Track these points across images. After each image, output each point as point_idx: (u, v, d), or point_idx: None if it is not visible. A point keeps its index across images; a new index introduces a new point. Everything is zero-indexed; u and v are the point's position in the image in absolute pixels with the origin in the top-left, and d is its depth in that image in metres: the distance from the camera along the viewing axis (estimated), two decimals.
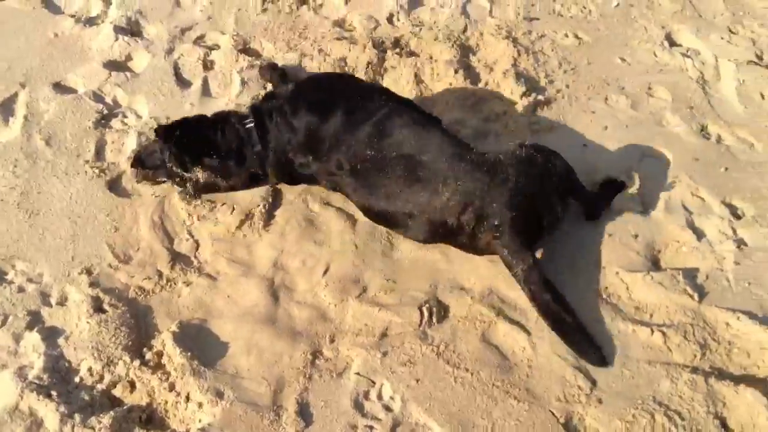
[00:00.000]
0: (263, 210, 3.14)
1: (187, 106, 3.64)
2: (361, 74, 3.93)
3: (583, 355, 2.77)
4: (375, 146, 2.99)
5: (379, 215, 3.02)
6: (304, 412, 2.51)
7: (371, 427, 2.50)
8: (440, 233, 2.94)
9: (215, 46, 4.08)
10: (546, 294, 2.82)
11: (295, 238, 3.07)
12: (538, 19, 4.58)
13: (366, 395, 2.58)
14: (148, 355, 2.59)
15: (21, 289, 2.74)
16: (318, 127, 3.07)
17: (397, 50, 4.11)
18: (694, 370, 2.76)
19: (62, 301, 2.73)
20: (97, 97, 3.62)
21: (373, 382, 2.62)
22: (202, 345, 2.66)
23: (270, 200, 3.18)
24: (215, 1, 4.41)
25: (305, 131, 3.09)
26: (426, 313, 2.85)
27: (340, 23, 4.38)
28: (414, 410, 2.54)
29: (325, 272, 2.97)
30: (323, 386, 2.59)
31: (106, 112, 3.55)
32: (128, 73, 3.79)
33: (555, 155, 3.15)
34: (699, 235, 3.31)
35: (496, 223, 2.84)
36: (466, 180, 2.88)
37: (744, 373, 2.79)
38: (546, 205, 2.99)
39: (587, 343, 2.79)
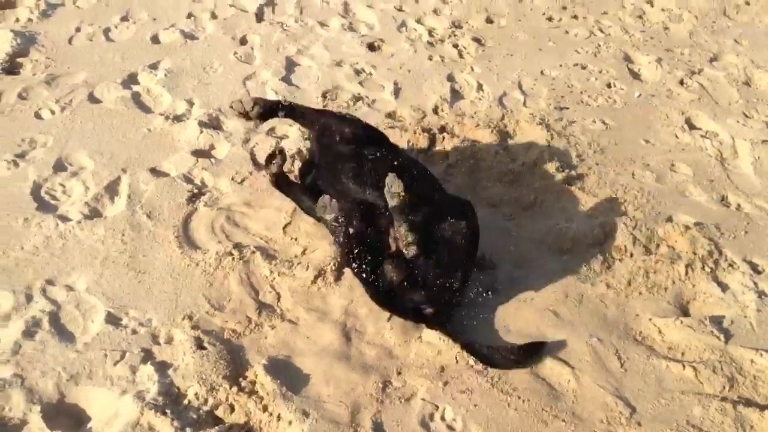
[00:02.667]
0: (333, 267, 3.60)
1: (264, 184, 4.18)
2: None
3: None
4: None
5: None
6: (378, 430, 2.89)
7: None
8: None
9: (285, 136, 4.67)
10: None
11: (362, 290, 3.51)
12: (567, 108, 5.13)
13: (431, 417, 2.95)
14: (244, 383, 3.00)
15: (134, 332, 3.21)
16: None
17: (444, 134, 4.65)
18: (723, 399, 3.09)
19: (169, 341, 3.18)
20: (187, 179, 4.19)
21: (437, 407, 2.99)
22: (288, 376, 3.06)
23: (338, 258, 3.65)
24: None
25: None
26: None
27: (391, 115, 4.96)
28: (474, 430, 2.91)
29: (389, 318, 3.40)
30: (394, 409, 2.97)
31: (195, 191, 4.11)
32: (212, 159, 4.37)
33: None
34: (723, 288, 3.68)
35: None
36: None
37: None
38: None
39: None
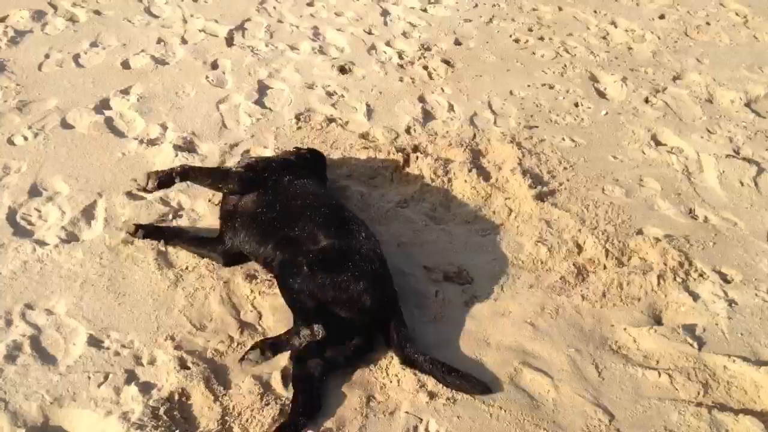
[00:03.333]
0: None
1: None
2: (385, 174, 4.55)
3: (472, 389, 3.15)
4: None
5: None
6: None
7: None
8: None
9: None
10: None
11: None
12: (537, 126, 5.25)
13: (415, 429, 2.98)
14: (228, 401, 3.03)
15: (117, 353, 3.19)
16: None
17: (417, 153, 4.72)
18: (699, 404, 3.17)
19: (152, 362, 3.18)
20: (164, 201, 4.20)
21: (421, 419, 3.02)
22: (272, 392, 3.11)
23: None
24: (256, 123, 5.09)
25: None
26: None
27: (365, 135, 5.03)
28: None
29: None
30: (378, 423, 3.00)
31: (172, 213, 4.12)
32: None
33: None
34: (695, 297, 3.78)
35: None
36: None
37: (742, 407, 3.20)
38: None
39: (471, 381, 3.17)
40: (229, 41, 6.31)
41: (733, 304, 3.73)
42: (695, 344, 3.46)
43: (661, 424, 3.08)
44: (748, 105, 5.56)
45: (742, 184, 4.68)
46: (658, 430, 3.05)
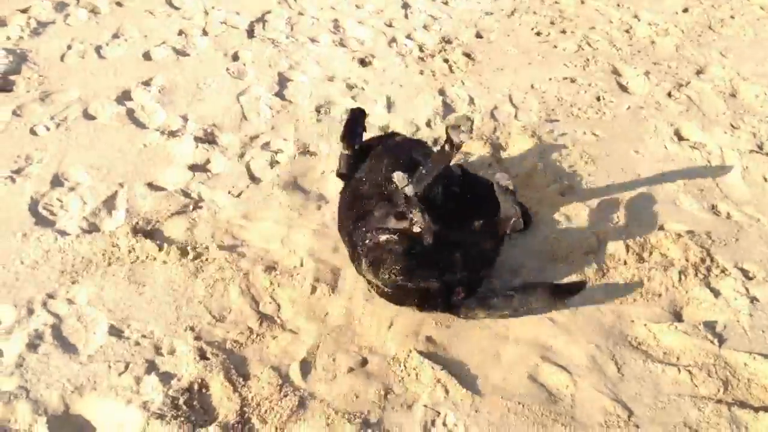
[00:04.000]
0: (331, 278, 3.65)
1: (260, 197, 4.24)
2: None
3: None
4: None
5: None
6: None
7: None
8: None
9: (280, 150, 4.71)
10: None
11: (360, 300, 3.56)
12: (558, 120, 5.21)
13: (433, 423, 2.99)
14: (247, 392, 3.05)
15: (137, 343, 3.23)
16: None
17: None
18: (719, 401, 3.14)
19: (172, 352, 3.21)
20: (185, 193, 4.23)
21: (438, 413, 3.03)
22: (290, 384, 3.13)
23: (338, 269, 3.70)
24: (276, 115, 5.10)
25: None
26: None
27: (385, 128, 5.02)
28: None
29: (390, 327, 3.44)
30: (396, 416, 3.01)
31: (192, 205, 4.14)
32: (208, 174, 4.41)
33: None
34: (716, 293, 3.74)
35: None
36: None
37: (762, 404, 3.16)
38: None
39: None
40: (250, 33, 6.32)
41: (754, 301, 3.69)
42: (716, 341, 3.43)
43: (681, 420, 3.06)
44: None
45: (765, 179, 4.61)
46: (678, 426, 3.03)
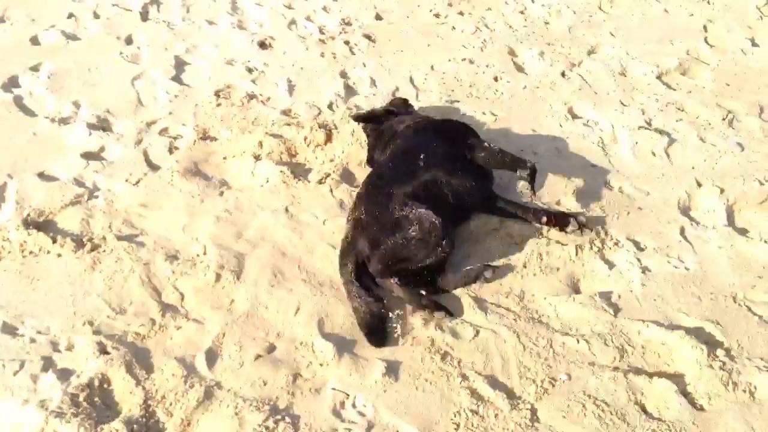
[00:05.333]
0: (235, 265, 3.61)
1: (159, 184, 4.14)
2: (306, 149, 4.52)
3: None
4: None
5: None
6: (293, 422, 2.93)
7: (350, 430, 2.92)
8: None
9: (179, 136, 4.60)
10: None
11: (266, 286, 3.53)
12: (458, 101, 5.29)
13: (342, 405, 3.01)
14: (150, 384, 2.99)
15: (33, 340, 3.11)
16: None
17: (339, 129, 4.71)
18: (615, 368, 3.29)
19: (70, 348, 3.11)
20: (78, 182, 4.08)
21: (348, 395, 3.05)
22: (196, 374, 3.08)
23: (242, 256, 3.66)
24: (174, 99, 4.97)
25: None
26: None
27: (286, 112, 4.98)
28: (385, 414, 2.98)
29: (297, 311, 3.43)
30: (305, 400, 3.02)
31: (87, 194, 4.00)
32: (104, 162, 4.27)
33: None
34: (610, 265, 3.89)
35: None
36: None
37: (657, 369, 3.33)
38: None
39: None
40: (144, 16, 6.13)
41: (646, 271, 3.85)
42: (611, 311, 3.58)
43: (580, 389, 3.18)
44: (659, 78, 5.72)
45: (654, 154, 4.82)
46: (577, 395, 3.15)
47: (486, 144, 4.27)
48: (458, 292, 3.63)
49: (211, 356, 3.17)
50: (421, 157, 3.98)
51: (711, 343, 3.39)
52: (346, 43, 6.01)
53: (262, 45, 5.87)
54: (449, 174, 3.95)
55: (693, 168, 4.64)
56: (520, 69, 5.85)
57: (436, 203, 3.76)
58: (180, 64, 5.44)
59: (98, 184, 4.10)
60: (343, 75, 5.52)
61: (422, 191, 3.81)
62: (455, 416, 3.00)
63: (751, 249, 3.96)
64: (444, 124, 4.46)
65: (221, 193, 4.15)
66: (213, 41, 5.81)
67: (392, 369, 3.18)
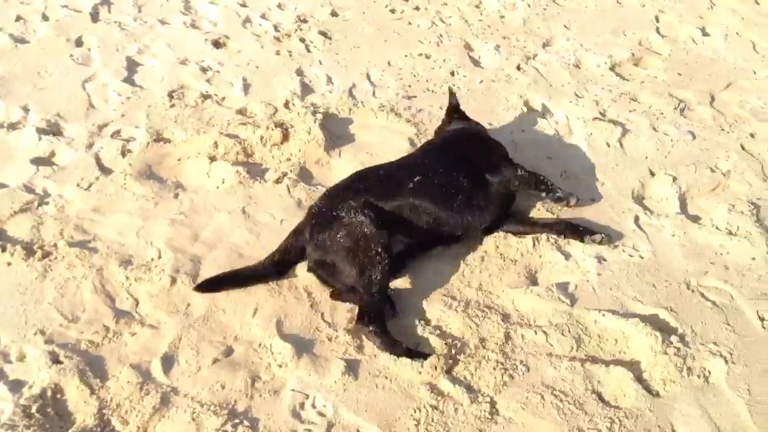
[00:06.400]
0: (191, 268, 3.57)
1: (112, 188, 4.07)
2: (263, 149, 4.48)
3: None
4: None
5: None
6: (252, 425, 2.90)
7: (310, 431, 2.90)
8: None
9: (131, 138, 4.54)
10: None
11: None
12: (415, 96, 5.29)
13: (302, 406, 2.99)
14: (105, 393, 2.94)
15: None
16: None
17: (294, 129, 4.68)
18: (572, 358, 3.31)
19: (21, 358, 3.04)
20: (28, 188, 4.00)
21: (307, 395, 3.03)
22: (153, 380, 3.04)
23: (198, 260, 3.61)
24: (126, 102, 4.90)
25: None
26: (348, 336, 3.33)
27: (242, 111, 4.93)
28: (345, 413, 2.97)
29: (255, 313, 3.41)
30: (264, 402, 2.99)
31: (38, 201, 3.92)
32: (54, 167, 4.19)
33: None
34: (567, 256, 3.92)
35: None
36: None
37: (613, 357, 3.36)
38: None
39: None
40: (94, 16, 6.04)
41: (602, 261, 3.89)
42: (568, 301, 3.61)
43: (538, 379, 3.20)
44: (612, 69, 5.79)
45: (608, 145, 4.87)
46: (536, 385, 3.16)
47: (514, 169, 4.09)
48: (417, 286, 3.63)
49: (168, 362, 3.13)
50: (415, 180, 3.79)
51: (665, 330, 3.43)
52: (302, 40, 5.98)
53: (216, 44, 5.81)
54: (436, 204, 3.77)
55: (646, 157, 4.70)
56: (476, 63, 5.87)
57: (406, 227, 3.70)
58: (132, 65, 5.37)
59: (49, 190, 4.02)
60: (299, 73, 5.49)
61: (394, 213, 3.67)
62: (415, 412, 2.99)
63: (703, 236, 4.02)
64: (470, 143, 4.28)
65: (176, 196, 4.10)
66: (166, 41, 5.74)
67: (351, 368, 3.16)
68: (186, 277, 3.53)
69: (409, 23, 6.46)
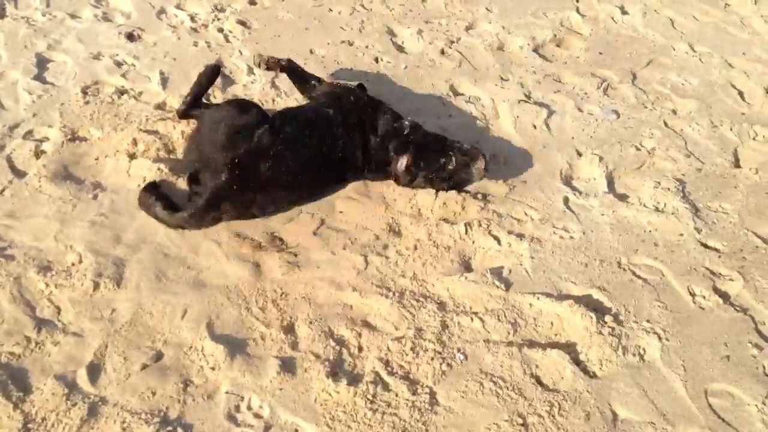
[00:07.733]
0: (114, 271, 3.42)
1: (27, 192, 3.87)
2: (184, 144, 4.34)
3: None
4: None
5: None
6: (186, 430, 2.80)
7: None
8: None
9: (45, 138, 4.32)
10: None
11: (149, 291, 3.37)
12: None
13: (237, 408, 2.91)
14: (30, 407, 2.79)
15: None
16: None
17: None
18: (509, 343, 3.32)
19: None
20: None
21: (242, 397, 2.95)
22: (79, 390, 2.90)
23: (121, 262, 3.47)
24: (38, 100, 4.66)
25: None
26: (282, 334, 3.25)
27: (161, 106, 4.76)
28: (282, 413, 2.90)
29: (184, 315, 3.29)
30: (197, 407, 2.89)
31: None
32: None
33: None
34: (499, 240, 3.93)
35: None
36: None
37: (549, 340, 3.39)
38: None
39: None
40: (0, 13, 5.72)
41: (533, 242, 3.91)
42: (503, 286, 3.61)
43: (477, 367, 3.19)
44: (535, 50, 5.82)
45: (535, 127, 4.90)
46: (474, 373, 3.16)
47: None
48: (350, 280, 3.58)
49: (94, 370, 2.99)
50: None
51: (600, 310, 3.48)
52: (220, 30, 5.80)
53: (131, 37, 5.58)
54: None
55: (573, 138, 4.75)
56: (400, 49, 5.82)
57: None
58: (42, 62, 5.11)
59: None
60: (219, 64, 5.33)
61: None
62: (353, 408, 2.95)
63: (631, 214, 4.08)
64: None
65: (95, 197, 3.92)
66: (77, 36, 5.48)
67: (287, 366, 3.09)
68: (109, 281, 3.39)
69: (330, 10, 6.35)
